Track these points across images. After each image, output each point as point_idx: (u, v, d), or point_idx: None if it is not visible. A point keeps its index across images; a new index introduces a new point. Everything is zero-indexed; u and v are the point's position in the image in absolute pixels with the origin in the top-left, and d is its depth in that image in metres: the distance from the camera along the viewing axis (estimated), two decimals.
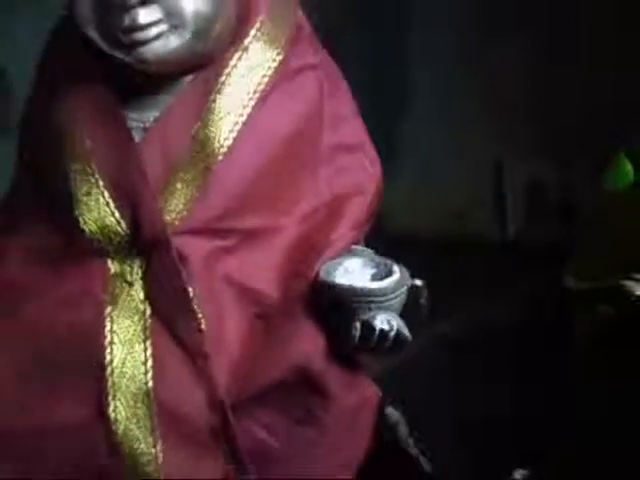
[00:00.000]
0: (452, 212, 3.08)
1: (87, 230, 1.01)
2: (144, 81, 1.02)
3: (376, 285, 0.94)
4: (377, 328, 0.93)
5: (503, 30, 3.06)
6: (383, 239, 1.23)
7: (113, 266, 1.01)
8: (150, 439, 0.93)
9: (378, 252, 1.10)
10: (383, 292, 0.94)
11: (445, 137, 3.14)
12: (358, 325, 0.95)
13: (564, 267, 1.41)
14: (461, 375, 1.98)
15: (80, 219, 1.01)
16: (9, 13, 2.80)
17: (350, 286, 0.95)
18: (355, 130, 1.14)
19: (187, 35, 0.98)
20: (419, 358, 1.88)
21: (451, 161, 3.11)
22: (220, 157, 1.01)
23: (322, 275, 0.99)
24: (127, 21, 0.94)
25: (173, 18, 0.96)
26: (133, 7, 0.94)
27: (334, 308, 0.98)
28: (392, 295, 0.94)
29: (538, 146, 3.03)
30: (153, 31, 0.96)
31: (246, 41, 1.05)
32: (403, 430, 1.17)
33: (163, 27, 0.96)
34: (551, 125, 2.99)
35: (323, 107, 1.10)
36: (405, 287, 0.96)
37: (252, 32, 1.05)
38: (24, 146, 1.13)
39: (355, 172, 1.12)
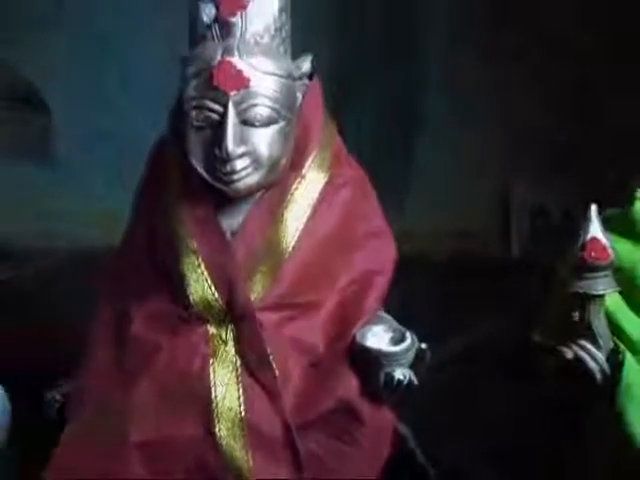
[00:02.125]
0: (460, 233, 3.25)
1: (194, 303, 1.45)
2: (231, 197, 1.46)
3: (395, 348, 1.39)
4: (396, 378, 1.38)
5: (512, 59, 3.27)
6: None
7: (212, 329, 1.46)
8: (243, 450, 1.39)
9: None
10: (400, 353, 1.38)
11: (454, 161, 3.34)
12: (382, 375, 1.39)
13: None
14: (468, 389, 2.09)
15: (189, 295, 1.45)
16: (43, 31, 3.14)
17: (377, 349, 1.40)
18: (380, 221, 1.58)
19: (264, 171, 1.42)
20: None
21: (459, 183, 3.30)
22: (286, 255, 1.46)
23: (357, 338, 1.44)
24: (228, 168, 1.38)
25: (256, 162, 1.40)
26: (232, 160, 1.38)
27: (365, 362, 1.43)
28: (405, 355, 1.39)
29: (543, 169, 3.23)
30: (244, 173, 1.40)
31: (304, 170, 1.49)
32: (411, 442, 1.62)
33: (250, 169, 1.41)
34: (555, 151, 3.19)
35: (357, 208, 1.54)
36: (414, 349, 1.41)
37: (307, 163, 1.50)
38: (138, 226, 1.56)
39: (379, 254, 1.56)
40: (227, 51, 1.36)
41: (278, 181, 1.46)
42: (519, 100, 3.25)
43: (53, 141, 3.31)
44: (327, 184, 1.50)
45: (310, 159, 1.49)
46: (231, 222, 1.47)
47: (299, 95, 1.46)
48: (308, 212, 1.48)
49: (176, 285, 1.47)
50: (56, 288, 2.66)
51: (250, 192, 1.44)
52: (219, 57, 1.36)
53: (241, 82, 1.35)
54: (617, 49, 3.13)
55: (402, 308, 1.61)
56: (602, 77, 3.15)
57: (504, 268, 2.98)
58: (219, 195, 1.44)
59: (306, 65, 1.46)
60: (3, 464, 1.74)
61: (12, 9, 3.14)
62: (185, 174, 1.46)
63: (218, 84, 1.35)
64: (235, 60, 1.36)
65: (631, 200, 1.48)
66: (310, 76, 1.49)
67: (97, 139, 3.22)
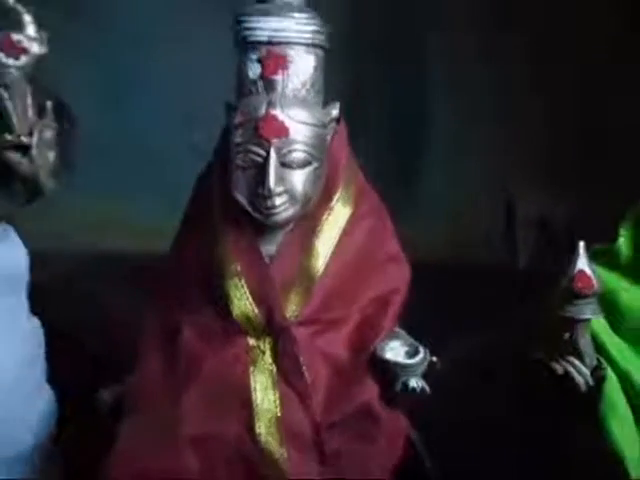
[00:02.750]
0: (466, 242, 3.35)
1: (236, 318, 1.69)
2: (269, 226, 1.70)
3: (410, 361, 1.63)
4: (410, 386, 1.61)
5: (516, 65, 3.40)
6: None
7: (251, 341, 1.70)
8: (279, 445, 1.62)
9: None
10: (414, 365, 1.62)
11: (460, 169, 3.49)
12: (399, 384, 1.63)
13: None
14: (472, 396, 2.15)
15: (233, 311, 1.69)
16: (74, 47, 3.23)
17: (395, 361, 1.64)
18: (396, 247, 1.81)
19: (299, 206, 1.64)
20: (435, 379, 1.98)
21: (465, 192, 3.44)
22: (317, 279, 1.69)
23: (377, 351, 1.67)
24: (269, 203, 1.61)
25: (293, 199, 1.63)
26: (273, 196, 1.61)
27: (384, 372, 1.66)
28: (419, 366, 1.62)
29: (549, 180, 3.30)
30: (282, 207, 1.63)
31: (332, 204, 1.72)
32: (419, 446, 1.84)
33: (287, 204, 1.63)
34: (562, 161, 3.29)
35: (376, 237, 1.77)
36: (426, 361, 1.64)
37: (335, 197, 1.72)
38: (187, 249, 1.78)
39: (395, 276, 1.79)
40: (271, 105, 1.59)
41: (310, 213, 1.69)
42: (524, 113, 3.38)
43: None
44: (351, 217, 1.73)
45: (337, 194, 1.72)
46: (268, 248, 1.70)
47: (328, 138, 1.69)
48: (335, 241, 1.71)
49: (221, 302, 1.70)
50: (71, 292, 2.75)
51: (286, 223, 1.67)
52: (264, 110, 1.59)
53: (282, 132, 1.59)
54: (620, 52, 3.24)
55: (405, 317, 1.79)
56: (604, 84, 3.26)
57: (509, 279, 3.01)
58: (258, 225, 1.67)
59: (334, 112, 1.69)
60: (49, 462, 1.90)
61: None
62: (228, 207, 1.69)
63: (263, 133, 1.58)
64: (277, 113, 1.59)
65: (617, 236, 1.71)
66: (337, 120, 1.72)
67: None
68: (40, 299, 1.92)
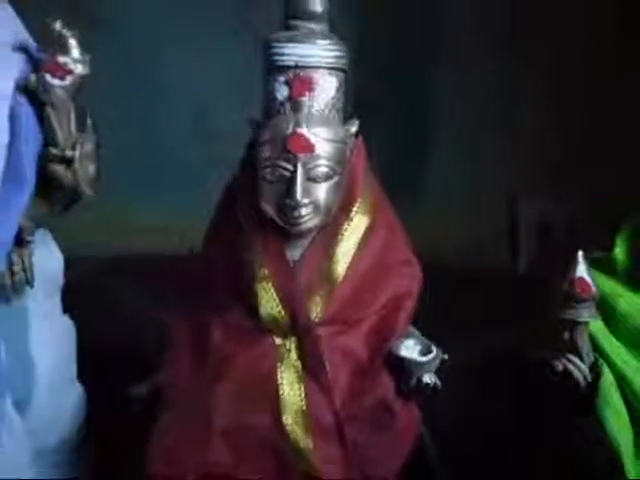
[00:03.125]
0: (468, 245, 3.41)
1: (264, 319, 1.83)
2: (294, 234, 1.84)
3: (424, 358, 1.78)
4: (424, 381, 1.76)
5: (523, 75, 3.45)
6: None
7: (278, 339, 1.85)
8: (305, 435, 1.76)
9: None
10: (428, 362, 1.77)
11: (463, 175, 3.52)
12: (413, 379, 1.78)
13: None
14: (475, 399, 2.25)
15: (260, 312, 1.83)
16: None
17: (410, 359, 1.79)
18: (408, 253, 1.96)
19: (322, 215, 1.79)
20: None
21: (469, 197, 3.48)
22: (338, 283, 1.83)
23: (393, 349, 1.82)
24: (296, 214, 1.75)
25: (317, 209, 1.77)
26: (299, 207, 1.76)
27: (399, 368, 1.81)
28: (432, 363, 1.78)
29: (551, 185, 3.38)
30: (307, 217, 1.77)
31: (351, 215, 1.86)
32: (427, 438, 1.97)
33: (312, 214, 1.78)
34: (564, 167, 3.34)
35: (390, 245, 1.92)
36: (439, 359, 1.79)
37: (354, 208, 1.86)
38: (215, 254, 1.91)
39: (407, 280, 1.93)
40: (298, 124, 1.73)
41: (330, 222, 1.83)
42: (528, 118, 3.45)
43: None
44: (368, 226, 1.87)
45: (356, 206, 1.86)
46: (293, 253, 1.84)
47: (348, 153, 1.83)
48: (354, 249, 1.85)
49: (249, 304, 1.84)
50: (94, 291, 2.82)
51: (309, 231, 1.81)
52: (291, 129, 1.73)
53: (308, 149, 1.73)
54: (627, 59, 3.30)
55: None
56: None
57: (510, 282, 3.08)
58: (284, 232, 1.81)
59: (353, 128, 1.84)
60: (79, 460, 2.01)
61: None
62: (256, 216, 1.83)
63: (291, 150, 1.73)
64: (304, 131, 1.73)
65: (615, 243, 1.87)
66: (356, 135, 1.86)
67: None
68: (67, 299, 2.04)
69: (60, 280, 1.99)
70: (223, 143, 3.30)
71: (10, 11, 1.82)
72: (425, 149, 3.69)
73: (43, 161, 1.74)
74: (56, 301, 1.99)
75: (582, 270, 1.71)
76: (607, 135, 3.33)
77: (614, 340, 1.79)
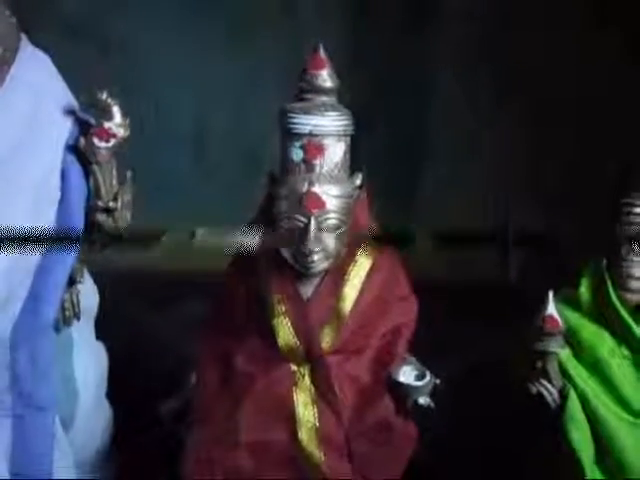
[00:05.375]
0: (462, 260, 3.50)
1: (281, 348, 2.11)
2: (305, 273, 2.12)
3: (419, 383, 2.06)
4: (420, 403, 2.05)
5: (506, 102, 3.58)
6: None
7: (293, 366, 2.12)
8: (318, 450, 2.04)
9: None
10: (422, 387, 2.05)
11: (457, 190, 3.66)
12: (410, 401, 2.06)
13: None
14: (468, 408, 2.45)
15: (278, 342, 2.10)
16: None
17: (407, 384, 2.07)
18: (407, 288, 2.22)
19: (331, 259, 2.07)
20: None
21: (461, 212, 3.60)
22: (346, 317, 2.11)
23: (392, 375, 2.10)
24: (309, 259, 2.02)
25: (326, 255, 2.04)
26: (312, 254, 2.05)
27: (398, 391, 2.09)
28: (426, 387, 2.06)
29: (537, 201, 3.52)
30: (318, 262, 2.04)
31: (356, 257, 2.13)
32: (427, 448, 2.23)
33: (322, 259, 2.04)
34: (554, 183, 3.47)
35: (391, 282, 2.18)
36: (432, 383, 2.08)
37: (359, 252, 2.13)
38: (237, 289, 2.17)
39: (406, 313, 2.20)
40: (311, 183, 2.01)
41: (338, 264, 2.10)
42: (518, 135, 3.57)
43: None
44: (371, 267, 2.14)
45: (360, 250, 2.14)
46: (305, 290, 2.11)
47: (353, 203, 2.10)
48: (359, 287, 2.13)
49: (268, 334, 2.11)
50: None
51: (320, 273, 2.10)
52: (305, 188, 2.00)
53: (321, 205, 2.01)
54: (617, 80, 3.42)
55: None
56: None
57: (501, 296, 3.16)
58: (298, 273, 2.09)
59: (358, 181, 2.10)
60: (109, 468, 2.21)
61: None
62: (273, 258, 2.10)
63: (305, 205, 2.01)
64: (317, 189, 2.01)
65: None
66: (360, 186, 2.13)
67: None
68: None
69: (95, 310, 2.23)
70: None
71: (48, 62, 2.00)
72: (420, 173, 3.81)
73: (88, 210, 1.99)
74: (92, 328, 2.23)
75: (551, 308, 2.01)
76: (599, 162, 3.38)
77: (579, 366, 2.09)
